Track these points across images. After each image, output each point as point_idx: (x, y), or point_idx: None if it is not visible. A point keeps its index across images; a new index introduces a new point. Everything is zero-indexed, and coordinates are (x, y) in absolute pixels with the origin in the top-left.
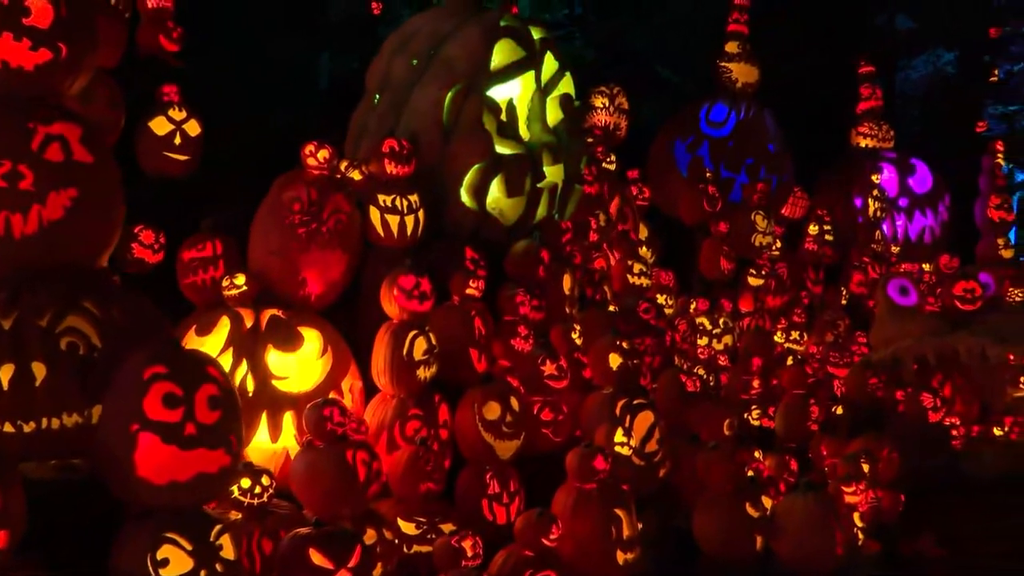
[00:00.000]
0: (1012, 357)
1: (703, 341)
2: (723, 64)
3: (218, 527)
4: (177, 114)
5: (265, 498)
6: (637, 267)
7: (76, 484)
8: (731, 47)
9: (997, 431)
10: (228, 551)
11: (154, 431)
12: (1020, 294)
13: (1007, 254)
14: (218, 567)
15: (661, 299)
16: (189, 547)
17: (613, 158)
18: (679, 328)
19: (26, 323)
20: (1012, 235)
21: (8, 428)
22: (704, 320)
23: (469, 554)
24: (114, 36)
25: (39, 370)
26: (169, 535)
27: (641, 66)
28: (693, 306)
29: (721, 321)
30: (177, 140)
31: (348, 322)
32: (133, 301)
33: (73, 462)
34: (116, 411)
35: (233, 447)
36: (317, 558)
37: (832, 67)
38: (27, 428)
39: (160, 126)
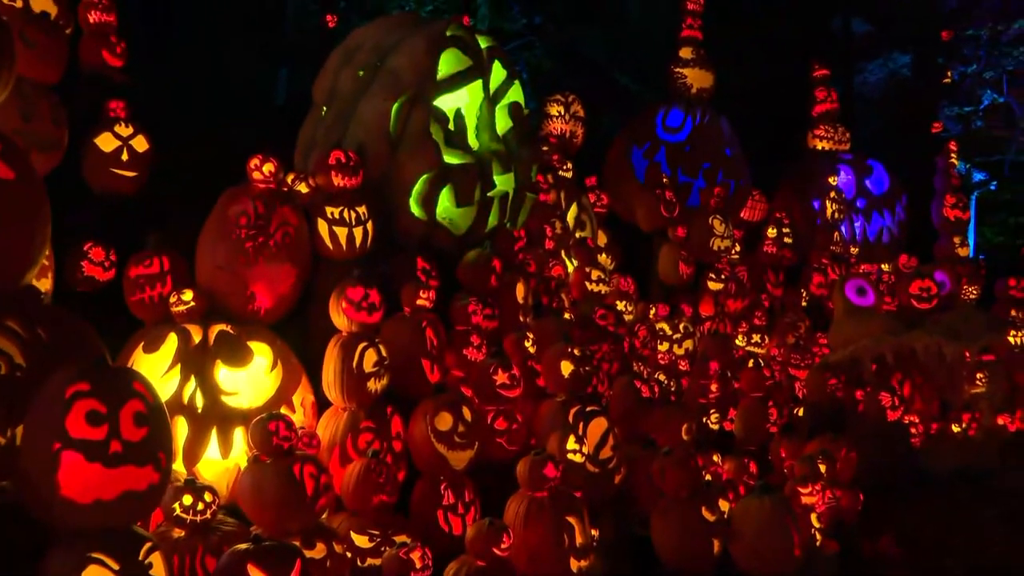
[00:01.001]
0: (968, 354)
1: (664, 347)
2: (678, 70)
3: (148, 545)
4: (124, 130)
5: (208, 515)
6: (595, 274)
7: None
8: (685, 53)
9: (955, 427)
10: (159, 569)
11: (77, 449)
12: (975, 292)
13: (963, 252)
14: None
15: (621, 305)
16: (116, 567)
17: (570, 165)
18: (639, 334)
19: None
20: (970, 234)
21: None
22: (664, 325)
23: (418, 566)
24: (55, 52)
25: None
26: (95, 555)
27: (599, 74)
28: (653, 312)
29: (681, 326)
30: (124, 156)
31: (298, 336)
32: (62, 320)
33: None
34: (38, 430)
35: (162, 464)
36: (255, 573)
37: (788, 71)
38: None
39: (106, 142)
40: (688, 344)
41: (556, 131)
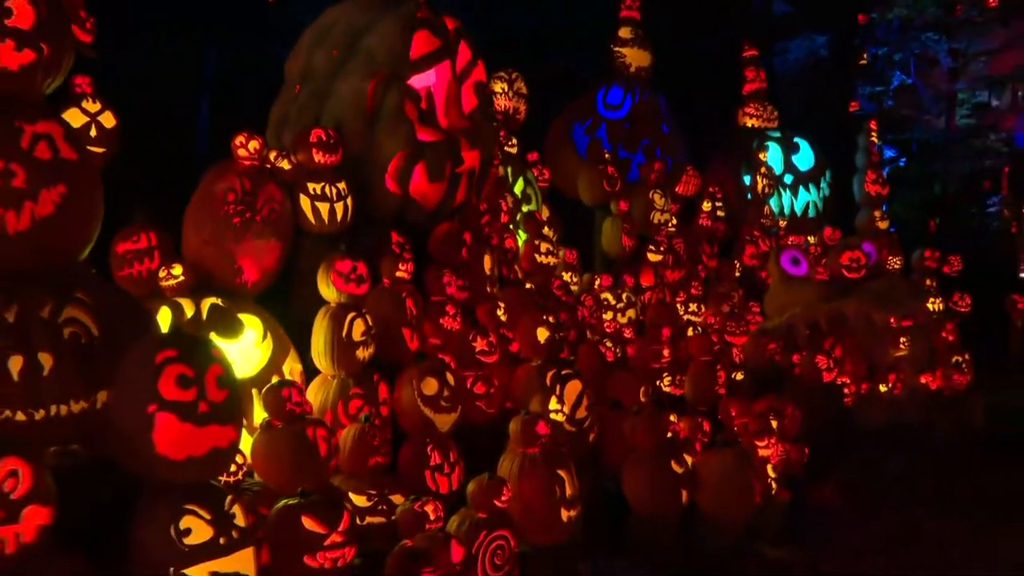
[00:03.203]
0: (893, 320)
1: (608, 315)
2: (617, 49)
3: (230, 497)
4: (91, 106)
5: (240, 475)
6: (544, 246)
7: (79, 468)
8: (624, 32)
9: (883, 387)
10: (240, 519)
11: (170, 410)
12: (898, 262)
13: (883, 225)
14: (234, 534)
15: (567, 276)
16: (208, 516)
17: (515, 141)
18: (586, 303)
19: (29, 316)
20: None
21: (20, 416)
22: (608, 295)
23: (432, 517)
24: None
25: (46, 360)
26: (190, 507)
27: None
28: (597, 282)
29: (624, 296)
30: (93, 132)
31: (281, 307)
32: (114, 290)
33: (72, 448)
34: (131, 394)
35: (240, 423)
36: (310, 524)
37: (717, 50)
38: (37, 416)
39: (74, 118)
40: (631, 313)
41: (500, 107)
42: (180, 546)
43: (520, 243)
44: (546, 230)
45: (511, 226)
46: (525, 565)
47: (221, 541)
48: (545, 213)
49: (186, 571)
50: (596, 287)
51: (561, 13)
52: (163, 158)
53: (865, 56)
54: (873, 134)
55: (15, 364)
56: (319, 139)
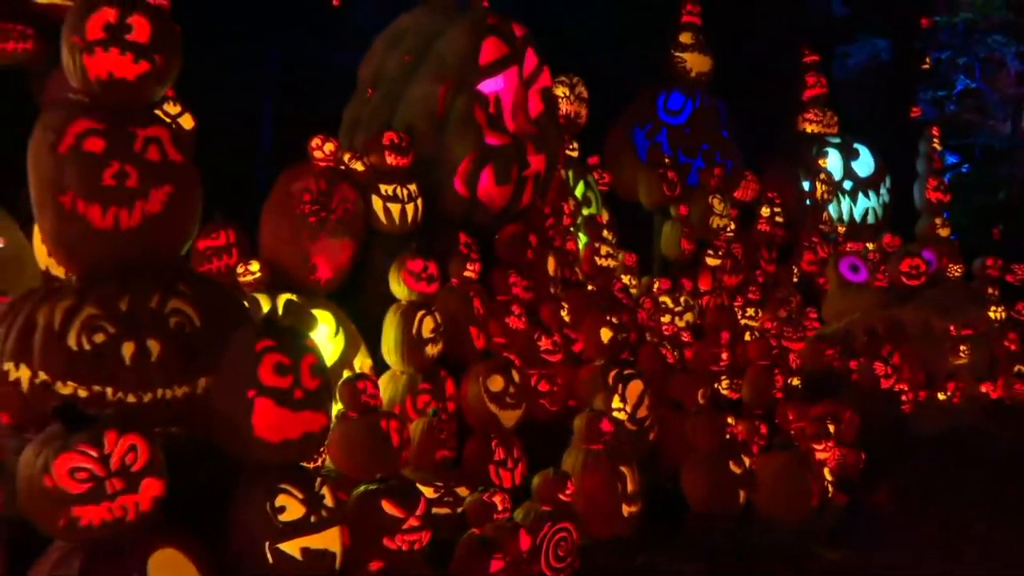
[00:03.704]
0: (953, 328)
1: (666, 318)
2: (678, 54)
3: (319, 479)
4: (172, 108)
5: (320, 462)
6: (604, 249)
7: (179, 449)
8: (685, 38)
9: (941, 395)
10: (328, 500)
11: (269, 396)
12: (959, 269)
13: (944, 232)
14: (323, 513)
15: (626, 279)
16: (301, 496)
17: (575, 145)
18: (645, 306)
19: (139, 306)
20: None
21: (131, 398)
22: (667, 299)
23: (500, 508)
24: None
25: (154, 347)
26: (284, 486)
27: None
28: (656, 285)
29: (683, 299)
30: None
31: (352, 304)
32: (211, 284)
33: (171, 430)
34: (233, 380)
35: (330, 411)
36: (390, 508)
37: (777, 56)
38: (145, 398)
39: None
40: (689, 316)
41: (562, 112)
42: (275, 522)
43: (581, 246)
44: (606, 233)
45: (571, 229)
46: (586, 557)
47: (312, 519)
48: (605, 217)
49: (280, 546)
50: (655, 290)
51: (615, 16)
52: (231, 158)
53: (928, 60)
54: (935, 140)
55: (127, 350)
56: (391, 142)
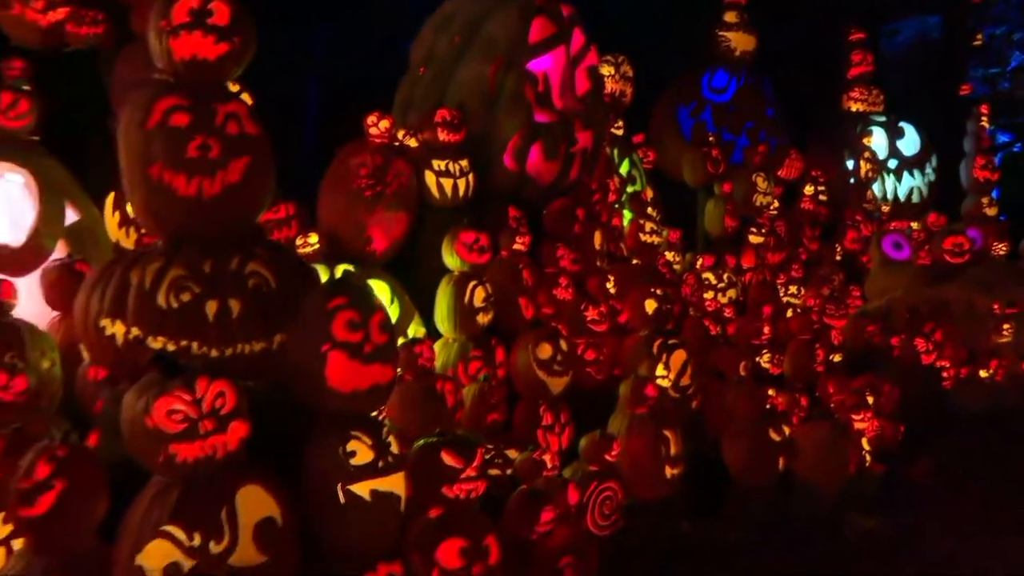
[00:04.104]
0: (997, 307)
1: (709, 294)
2: (722, 33)
3: (385, 428)
4: (232, 87)
5: (381, 418)
6: (649, 225)
7: (255, 400)
8: (730, 17)
9: (983, 373)
10: (394, 447)
11: (342, 350)
12: (1004, 248)
13: (991, 212)
14: (390, 458)
15: (670, 255)
16: (370, 442)
17: (621, 123)
18: (688, 282)
19: (220, 268)
20: (996, 193)
21: (214, 352)
22: (710, 275)
23: (549, 465)
24: None
25: (235, 305)
26: (355, 433)
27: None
28: (700, 262)
29: (725, 276)
30: None
31: (404, 275)
32: (283, 248)
33: (248, 383)
34: (308, 335)
35: (397, 364)
36: (448, 459)
37: (822, 34)
38: (227, 352)
39: None
40: (732, 293)
41: (607, 90)
42: (347, 466)
43: (626, 222)
44: (650, 210)
45: (616, 206)
46: (630, 517)
47: (380, 464)
48: (649, 194)
49: (351, 487)
50: (698, 267)
51: None
52: (280, 134)
53: (980, 36)
54: (984, 119)
55: (211, 308)
56: (444, 119)
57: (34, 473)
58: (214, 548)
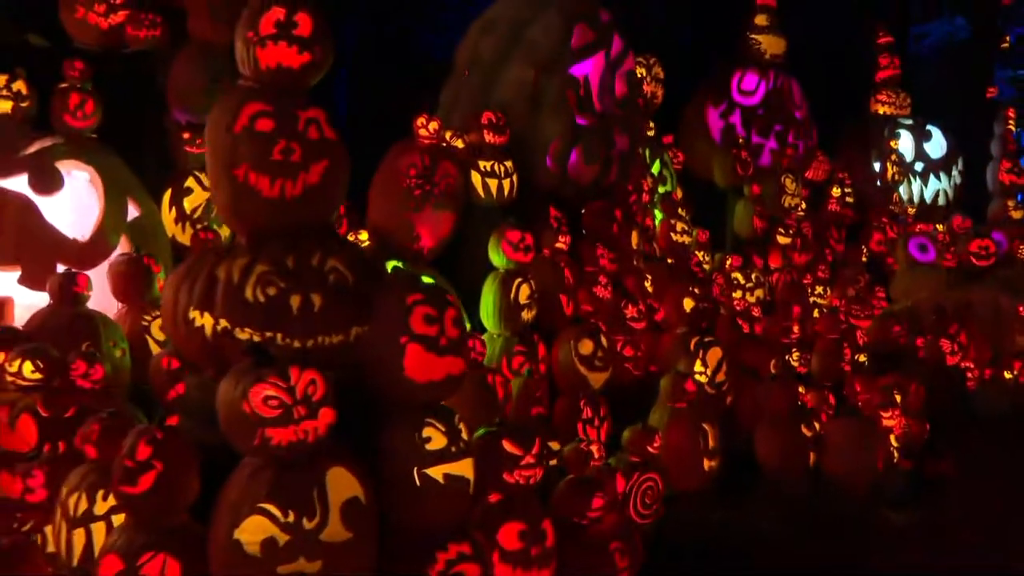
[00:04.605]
0: (1021, 309)
1: (737, 294)
2: (753, 36)
3: (456, 416)
4: None
5: None
6: (680, 226)
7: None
8: (760, 20)
9: (1007, 374)
10: (464, 434)
11: (419, 342)
12: None
13: (1017, 215)
14: (461, 444)
15: (700, 255)
16: (443, 429)
17: (651, 125)
18: (717, 281)
19: (302, 263)
20: (1020, 197)
21: (297, 343)
22: (738, 275)
23: (596, 456)
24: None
25: (316, 299)
26: (430, 420)
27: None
28: (728, 262)
29: (753, 276)
30: None
31: (451, 271)
32: (354, 245)
33: (326, 372)
34: (387, 328)
35: (467, 357)
36: (509, 447)
37: (850, 37)
38: (309, 344)
39: None
40: (759, 293)
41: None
42: (422, 451)
43: (656, 222)
44: (680, 210)
45: (648, 206)
46: (669, 507)
47: (452, 449)
48: (679, 194)
49: (426, 470)
50: (727, 266)
51: None
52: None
53: (1008, 39)
54: (1011, 122)
55: (295, 301)
56: (490, 121)
57: (135, 454)
58: (307, 524)
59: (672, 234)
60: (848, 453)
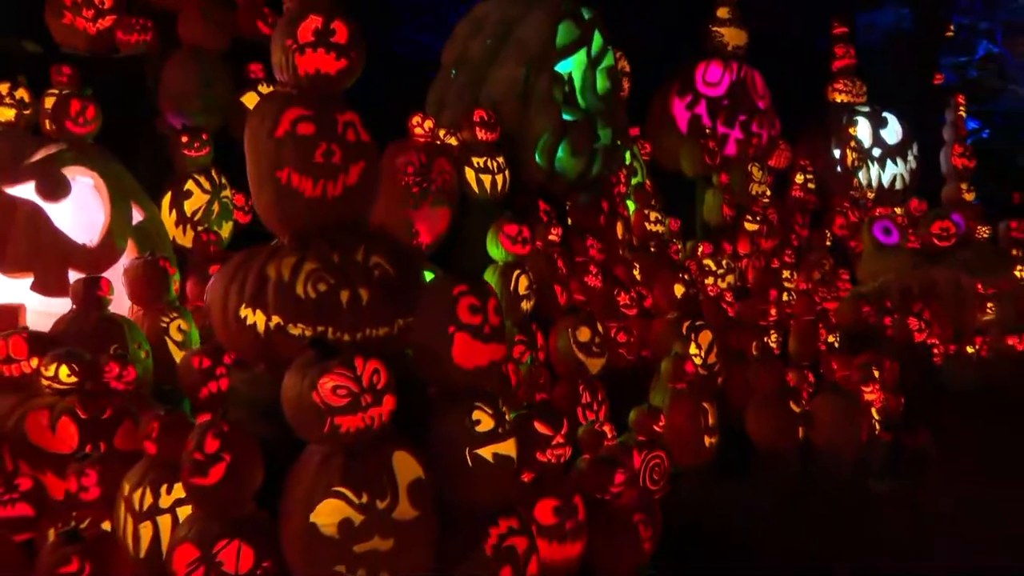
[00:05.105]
0: (980, 287)
1: (709, 280)
2: (715, 28)
3: (500, 399)
4: (265, 89)
5: None
6: (653, 215)
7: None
8: (723, 12)
9: (970, 349)
10: (507, 416)
11: (465, 331)
12: (987, 231)
13: (969, 197)
14: (506, 425)
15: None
16: (490, 411)
17: None
18: (690, 269)
19: (347, 260)
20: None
21: (346, 336)
22: (709, 262)
23: (609, 436)
24: (227, 23)
25: (364, 293)
26: (478, 404)
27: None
28: (700, 249)
29: (724, 262)
30: None
31: (448, 265)
32: (393, 240)
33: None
34: (434, 319)
35: (508, 344)
36: (541, 428)
37: (807, 28)
38: (357, 336)
39: (251, 100)
40: (730, 278)
41: None
42: (473, 432)
43: (631, 212)
44: (652, 201)
45: (624, 197)
46: (674, 482)
47: (499, 430)
48: (649, 185)
49: (476, 451)
50: (699, 254)
51: None
52: None
53: (952, 28)
54: (961, 108)
55: (344, 296)
56: (481, 119)
57: (204, 447)
58: (379, 505)
59: (646, 223)
60: (835, 427)
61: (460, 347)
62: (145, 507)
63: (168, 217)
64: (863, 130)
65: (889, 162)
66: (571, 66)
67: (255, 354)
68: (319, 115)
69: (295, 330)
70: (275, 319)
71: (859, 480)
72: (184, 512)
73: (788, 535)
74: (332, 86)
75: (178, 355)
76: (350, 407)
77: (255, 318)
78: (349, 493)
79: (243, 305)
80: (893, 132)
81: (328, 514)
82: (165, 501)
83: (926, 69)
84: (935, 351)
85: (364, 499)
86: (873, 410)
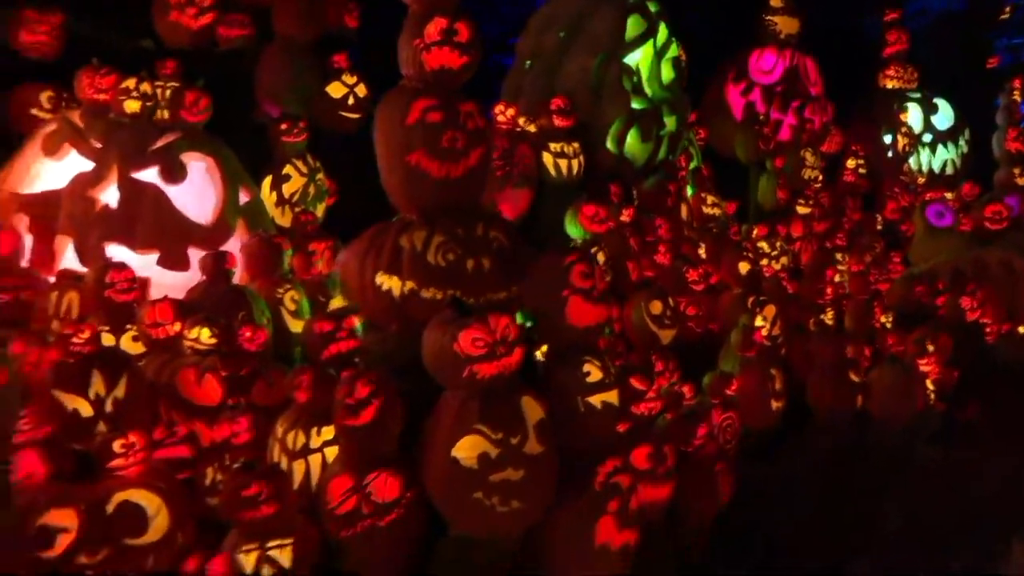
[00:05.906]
0: None
1: (764, 262)
2: (769, 17)
3: (606, 356)
4: (349, 79)
5: None
6: (711, 199)
7: None
8: (776, 1)
9: (1021, 329)
10: (611, 368)
11: (578, 294)
12: None
13: (1022, 181)
14: (611, 377)
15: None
16: (599, 364)
17: None
18: (747, 250)
19: (470, 233)
20: None
21: (471, 300)
22: (764, 244)
23: (688, 396)
24: (317, 14)
25: (486, 262)
26: (588, 358)
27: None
28: (755, 232)
29: (778, 244)
30: (351, 101)
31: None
32: (501, 217)
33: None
34: (550, 283)
35: (611, 305)
36: (636, 382)
37: (860, 14)
38: (480, 300)
39: (336, 90)
40: (784, 260)
41: None
42: (584, 383)
43: (689, 196)
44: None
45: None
46: (743, 442)
47: (606, 381)
48: (705, 170)
49: (588, 399)
50: (754, 236)
51: None
52: None
53: (1008, 9)
54: (1016, 92)
55: (470, 264)
56: (558, 107)
57: (355, 392)
58: (512, 440)
59: (704, 207)
60: (892, 396)
61: (573, 308)
62: (298, 447)
63: (268, 198)
64: (914, 116)
65: (940, 147)
66: (638, 57)
67: (389, 316)
68: (445, 105)
69: (427, 294)
70: (409, 284)
71: (912, 446)
72: (332, 452)
73: (839, 495)
74: (455, 80)
75: (291, 323)
76: (487, 356)
77: (391, 284)
78: (487, 430)
79: (380, 272)
80: (944, 118)
81: (468, 448)
82: (315, 442)
83: (979, 52)
84: (988, 330)
85: (500, 435)
86: (928, 381)
